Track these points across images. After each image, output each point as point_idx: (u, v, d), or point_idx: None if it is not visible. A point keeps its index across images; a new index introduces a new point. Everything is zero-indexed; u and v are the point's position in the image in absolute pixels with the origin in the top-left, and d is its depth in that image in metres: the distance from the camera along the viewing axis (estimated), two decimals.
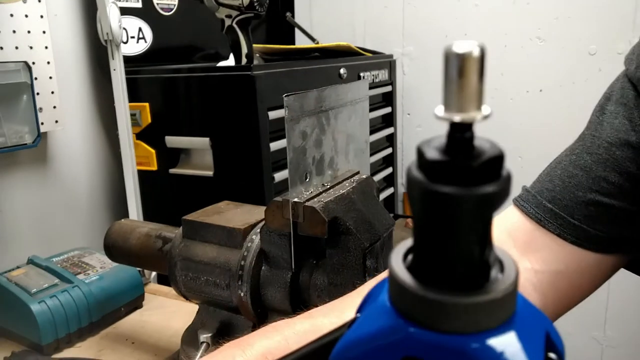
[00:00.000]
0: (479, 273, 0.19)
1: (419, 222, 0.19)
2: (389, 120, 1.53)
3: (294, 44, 1.73)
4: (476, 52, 0.18)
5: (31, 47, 0.97)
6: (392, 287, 0.20)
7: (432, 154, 0.18)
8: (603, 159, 0.50)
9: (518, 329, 0.19)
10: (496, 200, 0.18)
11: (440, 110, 0.18)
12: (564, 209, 0.50)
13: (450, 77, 0.18)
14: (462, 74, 0.18)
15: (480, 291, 0.19)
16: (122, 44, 0.99)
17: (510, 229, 0.53)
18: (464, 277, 0.19)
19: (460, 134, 0.18)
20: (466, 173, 0.18)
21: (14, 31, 0.94)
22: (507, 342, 0.18)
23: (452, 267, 0.19)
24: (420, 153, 0.19)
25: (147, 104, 1.09)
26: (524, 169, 1.55)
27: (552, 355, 0.20)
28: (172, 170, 1.11)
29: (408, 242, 0.21)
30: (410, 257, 0.21)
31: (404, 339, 0.19)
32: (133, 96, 1.05)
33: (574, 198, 0.50)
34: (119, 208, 1.18)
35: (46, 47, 0.99)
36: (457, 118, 0.18)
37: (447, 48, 0.18)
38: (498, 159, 0.18)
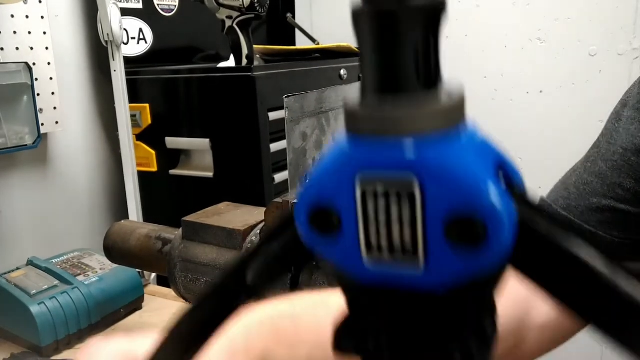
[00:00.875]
0: (422, 76, 0.19)
1: (361, 42, 0.20)
2: None
3: (294, 45, 1.73)
4: None
5: (32, 48, 0.97)
6: (345, 116, 0.20)
7: None
8: (618, 166, 0.49)
9: (465, 139, 0.19)
10: (433, 13, 0.19)
11: None
12: (579, 216, 0.50)
13: None
14: None
15: (422, 94, 0.19)
16: (122, 45, 0.99)
17: None
18: (405, 79, 0.19)
19: None
20: None
21: (15, 32, 0.94)
22: (450, 146, 0.19)
23: (394, 69, 0.19)
24: None
25: (147, 105, 1.09)
26: (524, 170, 1.54)
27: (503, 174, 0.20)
28: (172, 172, 1.11)
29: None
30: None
31: (357, 152, 0.19)
32: (133, 97, 1.05)
33: (588, 205, 0.50)
34: (119, 209, 1.18)
35: (47, 48, 0.99)
36: None
37: None
38: None
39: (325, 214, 0.20)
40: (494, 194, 0.18)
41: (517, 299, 0.48)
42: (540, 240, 0.20)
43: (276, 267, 0.24)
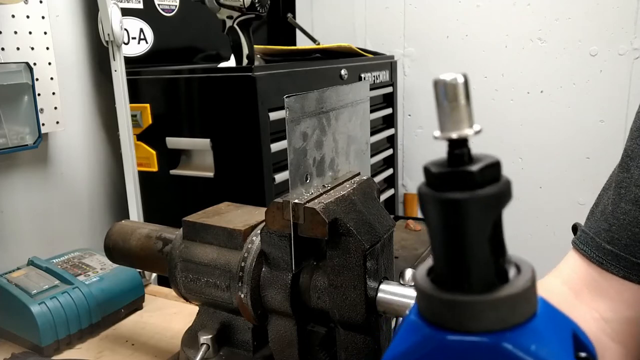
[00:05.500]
0: (497, 271, 0.21)
1: (435, 232, 0.21)
2: (389, 121, 1.53)
3: (295, 45, 1.73)
4: (461, 79, 0.21)
5: (32, 48, 0.97)
6: (420, 300, 0.21)
7: (436, 169, 0.21)
8: None
9: (544, 324, 0.20)
10: (500, 200, 0.20)
11: (437, 132, 0.22)
12: (624, 248, 0.47)
13: (442, 102, 0.21)
14: (451, 98, 0.21)
15: (502, 288, 0.20)
16: (123, 45, 0.99)
17: (571, 277, 0.50)
18: (483, 276, 0.20)
19: (459, 149, 0.21)
20: (469, 179, 0.20)
21: (16, 32, 0.94)
22: (535, 335, 0.19)
23: (471, 268, 0.20)
24: (426, 170, 0.21)
25: (148, 105, 1.09)
26: (524, 170, 1.55)
27: (582, 354, 0.21)
28: (173, 172, 1.11)
29: (429, 262, 0.23)
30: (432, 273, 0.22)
31: (438, 346, 0.20)
32: (134, 97, 1.05)
33: (632, 236, 0.47)
34: (120, 209, 1.18)
35: (47, 48, 0.99)
36: (454, 135, 0.21)
37: (436, 79, 0.22)
38: (495, 165, 0.21)
39: None
40: None
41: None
42: None
43: None
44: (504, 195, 0.20)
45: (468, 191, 0.20)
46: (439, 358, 0.19)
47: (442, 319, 0.20)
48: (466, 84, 0.21)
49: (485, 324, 0.19)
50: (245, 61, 1.11)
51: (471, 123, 0.21)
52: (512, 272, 0.21)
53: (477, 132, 0.21)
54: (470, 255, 0.20)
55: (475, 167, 0.20)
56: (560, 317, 0.21)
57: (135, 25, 1.19)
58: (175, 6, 1.28)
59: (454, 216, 0.20)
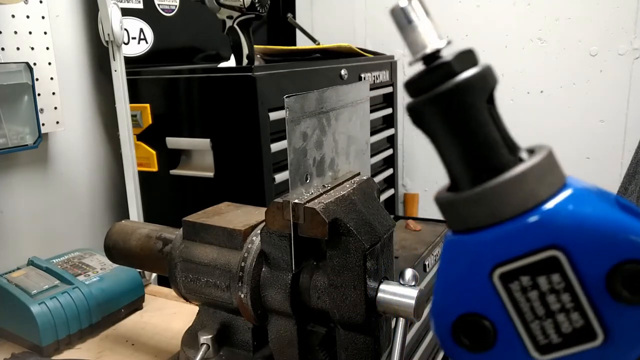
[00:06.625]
0: (508, 150, 0.19)
1: (439, 136, 0.19)
2: (389, 121, 1.53)
3: (295, 44, 1.73)
4: None
5: (32, 48, 0.97)
6: (449, 215, 0.19)
7: (414, 76, 0.21)
8: None
9: (576, 187, 0.18)
10: (481, 81, 0.19)
11: (410, 58, 0.21)
12: None
13: (405, 25, 0.21)
14: (411, 18, 0.21)
15: (518, 166, 0.18)
16: (123, 45, 0.99)
17: None
18: (496, 160, 0.18)
19: (435, 61, 0.20)
20: (447, 68, 0.19)
21: (15, 32, 0.94)
22: (573, 198, 0.17)
23: (483, 153, 0.19)
24: (407, 85, 0.21)
25: (148, 105, 1.09)
26: None
27: None
28: (173, 172, 1.11)
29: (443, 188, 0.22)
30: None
31: (481, 251, 0.18)
32: (134, 97, 1.05)
33: None
34: (120, 209, 1.18)
35: (47, 48, 0.99)
36: (428, 50, 0.20)
37: (392, 8, 0.21)
38: (469, 52, 0.20)
39: (472, 324, 0.18)
40: None
41: None
42: None
43: None
44: (485, 74, 0.19)
45: (448, 80, 0.19)
46: (491, 260, 0.17)
47: (480, 222, 0.18)
48: (419, 1, 0.21)
49: (515, 203, 0.17)
50: (245, 61, 1.11)
51: (439, 35, 0.20)
52: (525, 156, 0.19)
53: (448, 44, 0.20)
54: (478, 140, 0.18)
55: (449, 58, 0.19)
56: (597, 189, 0.19)
57: (135, 25, 1.19)
58: (175, 6, 1.28)
59: (449, 108, 0.18)
